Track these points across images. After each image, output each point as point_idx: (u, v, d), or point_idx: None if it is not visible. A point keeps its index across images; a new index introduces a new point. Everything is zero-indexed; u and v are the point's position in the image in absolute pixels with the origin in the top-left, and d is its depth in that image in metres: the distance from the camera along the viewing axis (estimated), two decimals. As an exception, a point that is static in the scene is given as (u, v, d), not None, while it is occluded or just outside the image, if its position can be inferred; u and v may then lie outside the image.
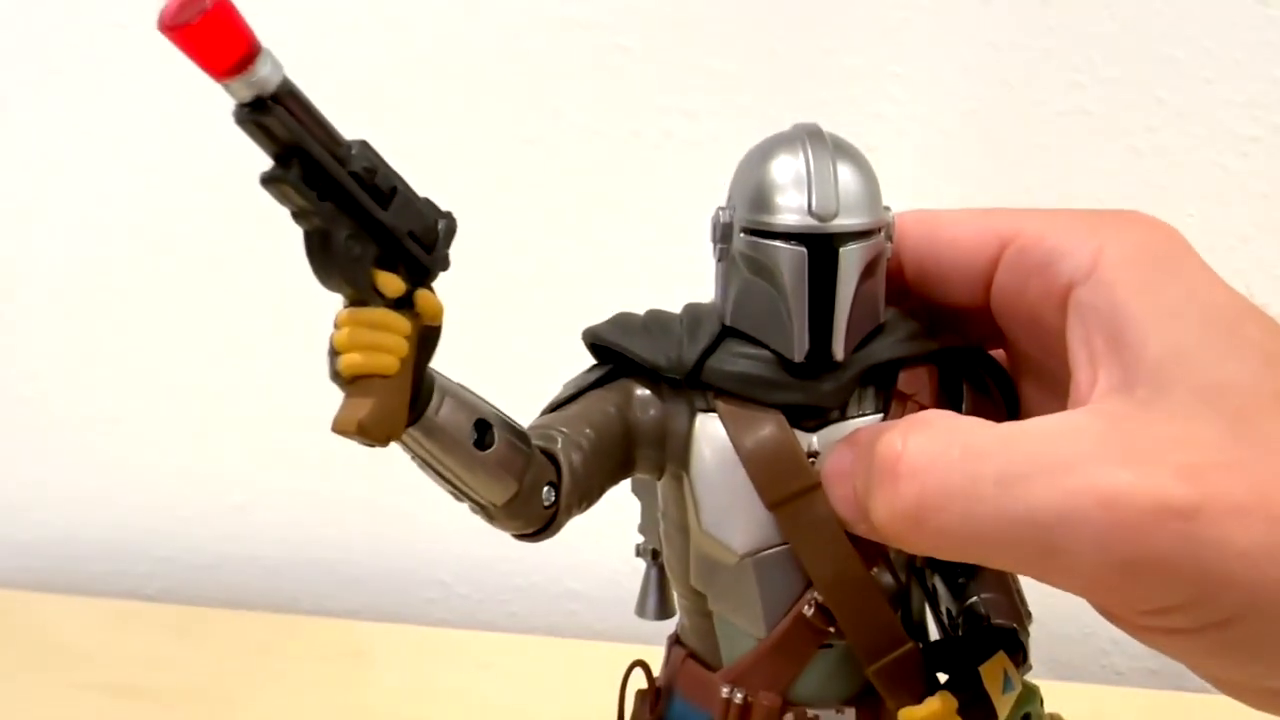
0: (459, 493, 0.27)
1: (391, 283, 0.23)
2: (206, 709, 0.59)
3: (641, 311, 0.30)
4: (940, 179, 0.62)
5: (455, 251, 0.25)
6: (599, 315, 0.31)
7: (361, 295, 0.23)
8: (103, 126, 0.69)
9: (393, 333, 0.23)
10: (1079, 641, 0.67)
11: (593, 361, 0.30)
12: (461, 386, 0.26)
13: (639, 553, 0.34)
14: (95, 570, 0.75)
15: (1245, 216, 0.61)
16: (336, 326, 0.23)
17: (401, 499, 0.70)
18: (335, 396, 0.24)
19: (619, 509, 0.33)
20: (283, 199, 0.22)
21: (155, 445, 0.73)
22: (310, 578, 0.73)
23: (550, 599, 0.70)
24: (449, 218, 0.24)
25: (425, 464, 0.26)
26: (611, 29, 0.62)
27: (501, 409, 0.27)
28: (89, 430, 0.74)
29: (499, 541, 0.74)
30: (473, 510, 0.27)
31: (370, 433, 0.23)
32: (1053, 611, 0.66)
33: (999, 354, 0.31)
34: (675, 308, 0.31)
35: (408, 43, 0.64)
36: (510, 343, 0.63)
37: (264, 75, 0.20)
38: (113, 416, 0.73)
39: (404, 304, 0.24)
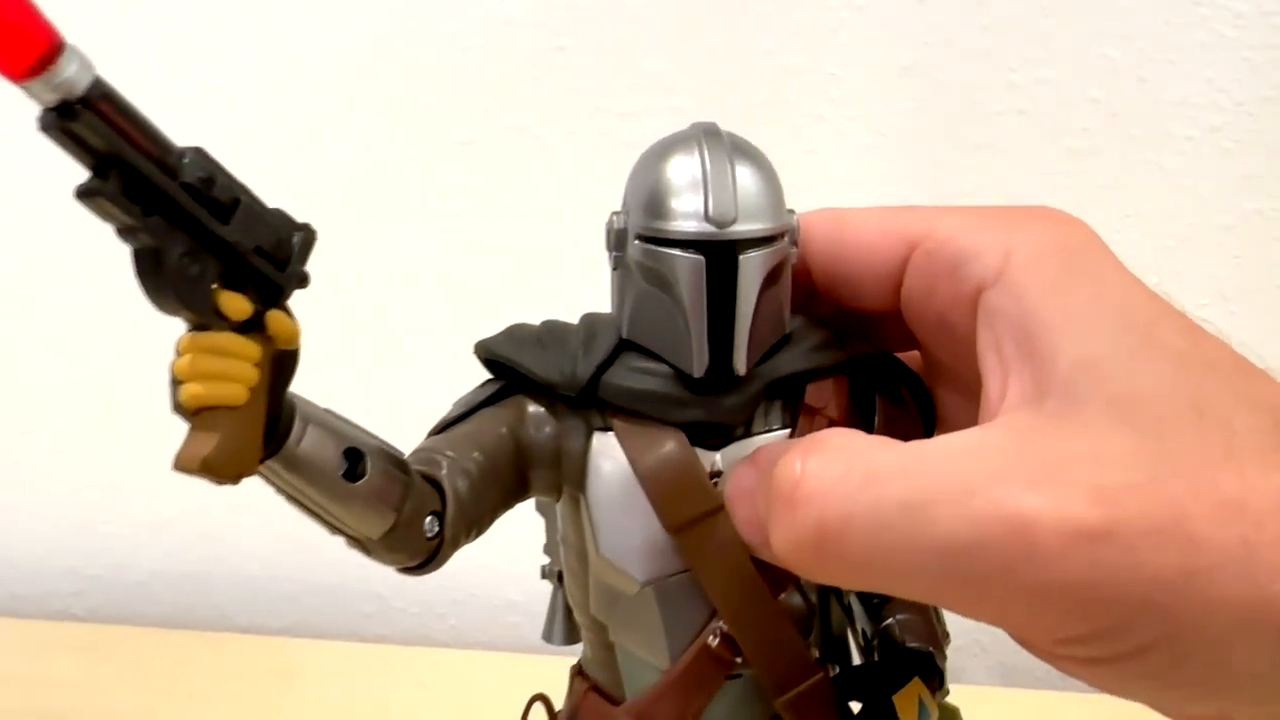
0: (330, 527, 0.25)
1: (235, 304, 0.22)
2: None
3: (539, 322, 0.29)
4: (879, 181, 0.61)
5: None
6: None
7: (203, 319, 0.21)
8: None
9: (240, 359, 0.22)
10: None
11: (487, 376, 0.29)
12: (330, 413, 0.25)
13: (544, 574, 0.33)
14: (20, 592, 0.72)
15: (1182, 215, 0.61)
16: (177, 354, 0.22)
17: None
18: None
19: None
20: (102, 214, 0.20)
21: (79, 459, 0.71)
22: (242, 593, 0.71)
23: (491, 611, 0.69)
24: (306, 230, 0.23)
25: (290, 498, 0.25)
26: (548, 29, 0.61)
27: (378, 435, 0.26)
28: (8, 446, 0.71)
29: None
30: (348, 545, 0.26)
31: (216, 470, 0.21)
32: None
33: (913, 357, 0.30)
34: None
35: (342, 43, 0.63)
36: (441, 350, 0.62)
37: (69, 76, 0.18)
38: (32, 429, 0.71)
39: (254, 327, 0.22)
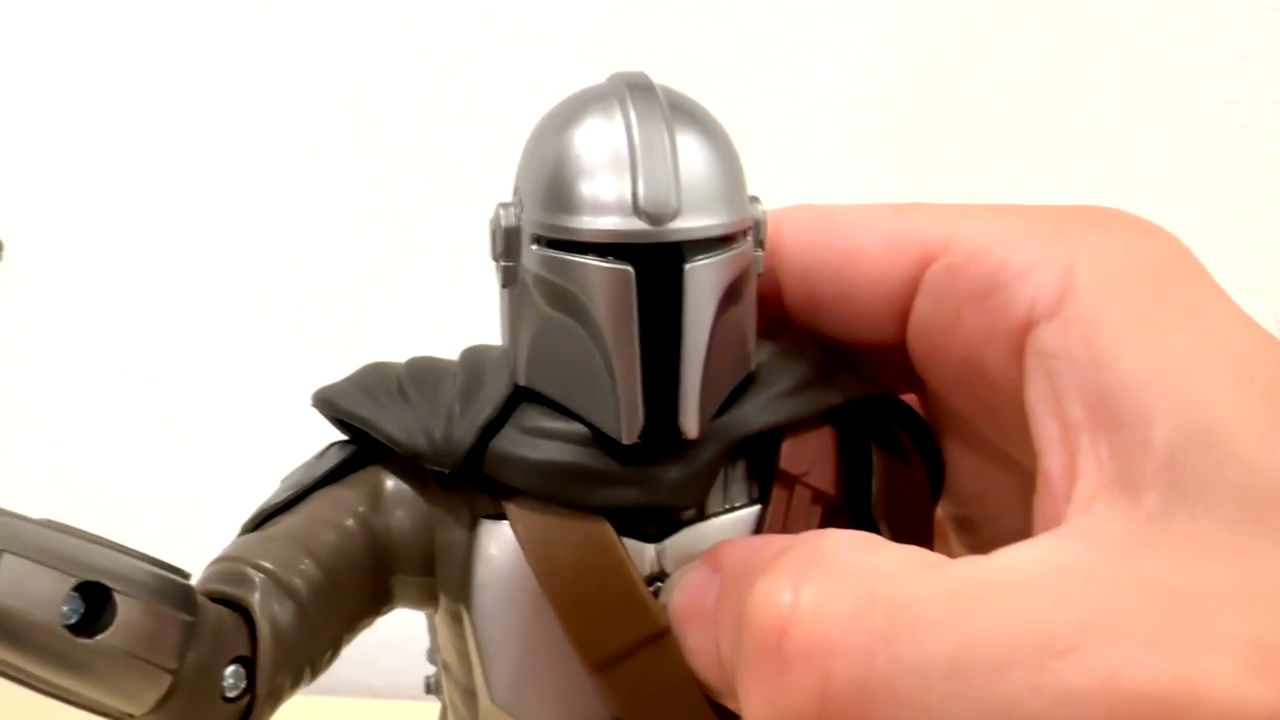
0: (66, 703, 0.18)
1: None
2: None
3: (404, 362, 0.22)
4: (854, 165, 0.58)
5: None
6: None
7: None
8: None
9: None
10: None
11: (338, 438, 0.22)
12: (49, 525, 0.18)
13: (429, 688, 0.27)
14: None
15: (1197, 201, 0.57)
16: None
17: (217, 520, 0.63)
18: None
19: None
20: None
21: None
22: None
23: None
24: None
25: None
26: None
27: (143, 551, 0.19)
28: None
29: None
30: None
31: None
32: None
33: (909, 400, 0.24)
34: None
35: (231, 6, 0.57)
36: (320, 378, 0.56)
37: None
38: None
39: None
